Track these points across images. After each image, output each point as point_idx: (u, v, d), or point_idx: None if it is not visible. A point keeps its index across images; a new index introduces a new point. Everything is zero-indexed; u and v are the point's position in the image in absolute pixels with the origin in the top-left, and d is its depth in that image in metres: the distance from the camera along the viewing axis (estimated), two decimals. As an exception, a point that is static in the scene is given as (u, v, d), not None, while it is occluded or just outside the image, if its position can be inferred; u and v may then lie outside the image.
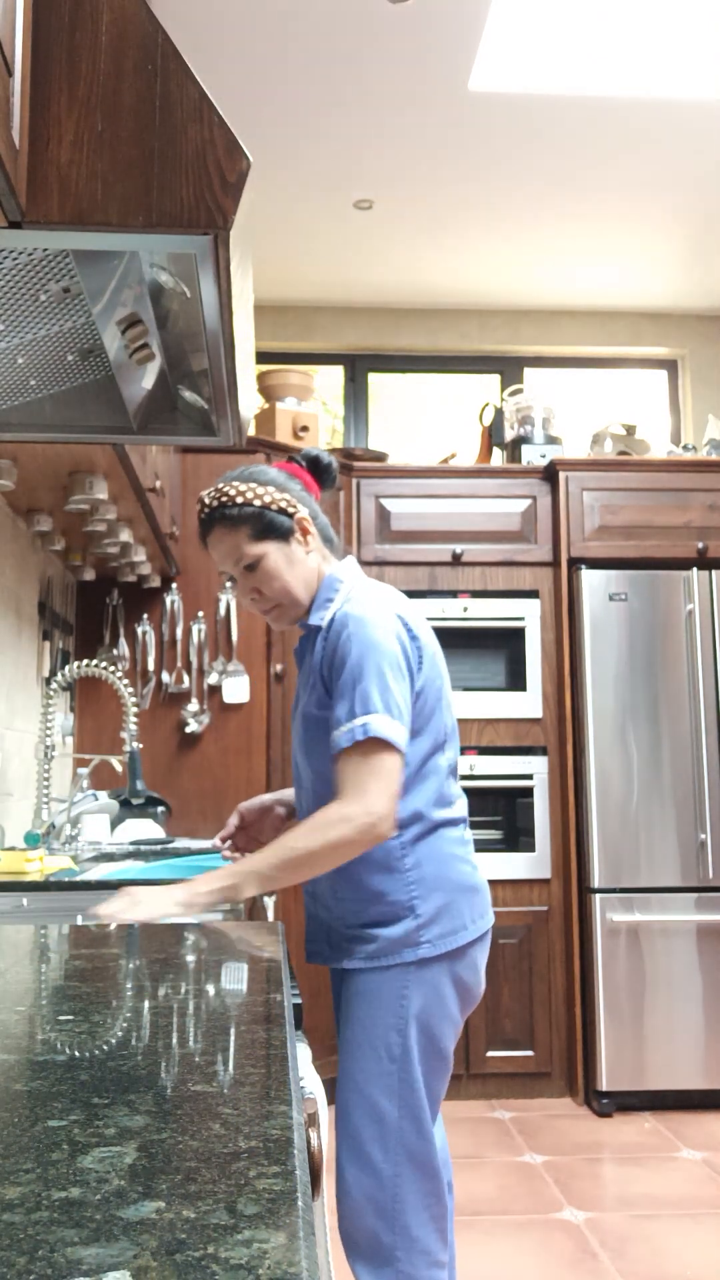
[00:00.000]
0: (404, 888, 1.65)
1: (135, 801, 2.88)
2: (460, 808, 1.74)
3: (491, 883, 3.86)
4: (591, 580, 3.88)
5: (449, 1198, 1.70)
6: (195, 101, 1.14)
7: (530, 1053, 3.81)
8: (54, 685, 2.64)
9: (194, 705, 3.61)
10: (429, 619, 3.98)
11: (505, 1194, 2.94)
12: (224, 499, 1.71)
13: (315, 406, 4.16)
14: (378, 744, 1.56)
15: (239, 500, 1.71)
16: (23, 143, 1.10)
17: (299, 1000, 1.30)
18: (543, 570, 4.06)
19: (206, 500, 1.73)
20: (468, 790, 3.88)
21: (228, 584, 3.69)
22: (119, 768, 3.45)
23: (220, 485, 1.73)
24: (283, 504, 1.73)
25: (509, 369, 4.92)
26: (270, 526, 1.71)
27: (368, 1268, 1.62)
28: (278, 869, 1.54)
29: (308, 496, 1.79)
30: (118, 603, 3.64)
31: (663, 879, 3.74)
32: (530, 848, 3.89)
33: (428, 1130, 1.64)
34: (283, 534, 1.72)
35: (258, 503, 1.71)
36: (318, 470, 1.85)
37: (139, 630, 3.64)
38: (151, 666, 3.61)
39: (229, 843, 1.93)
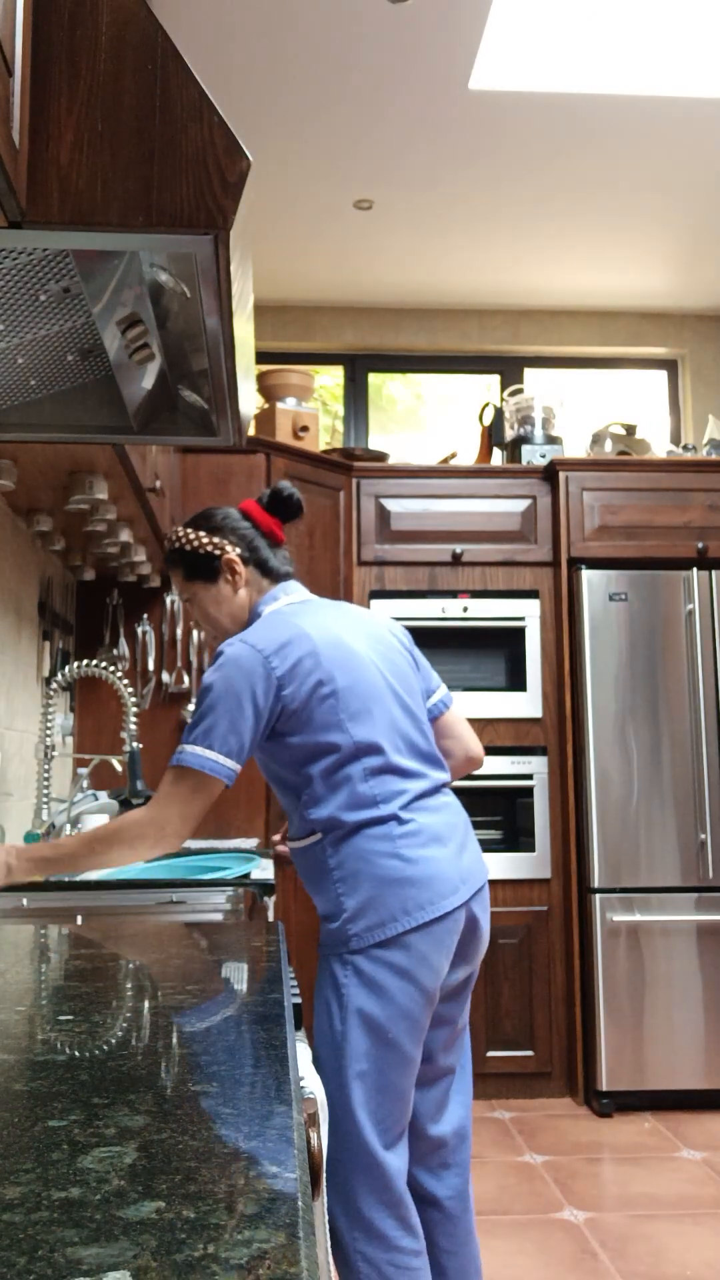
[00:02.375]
0: (332, 886, 1.77)
1: (135, 801, 2.88)
2: (393, 804, 1.77)
3: (492, 883, 3.86)
4: (591, 580, 3.88)
5: (402, 1182, 1.74)
6: (195, 101, 1.14)
7: (530, 1053, 3.81)
8: (54, 685, 2.64)
9: (194, 705, 3.60)
10: (429, 619, 3.98)
11: (505, 1194, 2.94)
12: (170, 540, 1.98)
13: (315, 406, 4.16)
14: (192, 772, 1.72)
15: (176, 545, 1.96)
16: (23, 143, 1.10)
17: (299, 1000, 1.30)
18: (543, 570, 4.06)
19: (165, 543, 2.02)
20: (468, 790, 3.89)
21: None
22: (119, 768, 3.45)
23: (173, 530, 1.99)
24: (209, 548, 1.94)
25: (509, 369, 4.92)
26: (196, 568, 1.95)
27: (335, 1252, 1.71)
28: (78, 856, 1.74)
29: (252, 534, 1.97)
30: (118, 603, 3.64)
31: (663, 879, 3.74)
32: (530, 848, 3.89)
33: (373, 1118, 1.70)
34: (209, 575, 1.94)
35: (188, 547, 1.95)
36: (277, 503, 2.01)
37: (139, 630, 3.64)
38: (151, 666, 3.61)
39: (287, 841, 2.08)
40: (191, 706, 3.59)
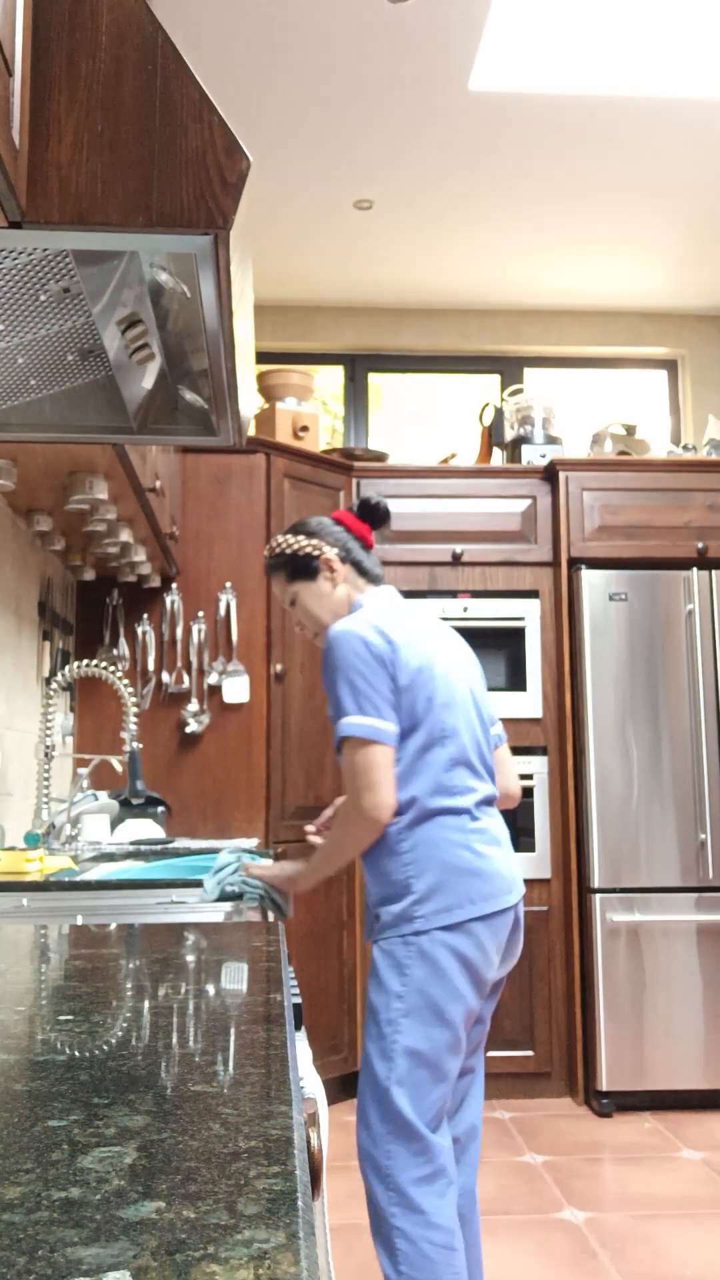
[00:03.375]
0: (401, 868, 1.86)
1: (135, 801, 2.88)
2: (467, 799, 1.89)
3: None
4: (591, 580, 3.88)
5: (450, 1166, 1.81)
6: (195, 101, 1.14)
7: (530, 1053, 3.81)
8: (54, 685, 2.64)
9: (194, 705, 3.61)
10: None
11: (505, 1194, 2.94)
12: (269, 551, 2.13)
13: (315, 406, 4.16)
14: (355, 742, 1.84)
15: (276, 551, 2.11)
16: (23, 143, 1.10)
17: (299, 1000, 1.30)
18: (543, 570, 4.06)
19: (264, 554, 2.19)
20: (468, 790, 3.88)
21: (227, 584, 3.69)
22: (119, 768, 3.45)
23: (272, 539, 2.16)
24: (309, 549, 2.08)
25: (509, 369, 4.92)
26: (298, 569, 2.09)
27: (373, 1228, 1.79)
28: (324, 858, 1.89)
29: (346, 537, 2.12)
30: (118, 603, 3.64)
31: (663, 879, 3.74)
32: (530, 848, 3.89)
33: (430, 1099, 1.79)
34: (309, 574, 2.08)
35: (288, 551, 2.10)
36: (366, 511, 2.17)
37: (139, 630, 3.64)
38: (151, 666, 3.61)
39: (325, 831, 2.15)
40: (192, 706, 3.59)
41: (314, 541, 2.10)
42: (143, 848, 2.76)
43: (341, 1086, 3.80)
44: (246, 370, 1.58)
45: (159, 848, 2.75)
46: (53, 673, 3.16)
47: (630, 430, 4.28)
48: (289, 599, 2.12)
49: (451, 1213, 1.78)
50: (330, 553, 2.09)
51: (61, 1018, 0.92)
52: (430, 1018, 1.80)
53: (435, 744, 1.89)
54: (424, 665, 1.91)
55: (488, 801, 1.96)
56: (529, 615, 4.02)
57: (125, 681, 2.60)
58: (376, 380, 4.93)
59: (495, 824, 1.95)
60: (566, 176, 3.81)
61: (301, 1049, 1.31)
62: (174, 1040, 0.85)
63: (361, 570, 2.13)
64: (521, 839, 3.90)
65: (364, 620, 1.93)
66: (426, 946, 1.81)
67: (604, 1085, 3.62)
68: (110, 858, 2.51)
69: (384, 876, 1.88)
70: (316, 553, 2.09)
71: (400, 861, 1.86)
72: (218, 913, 1.81)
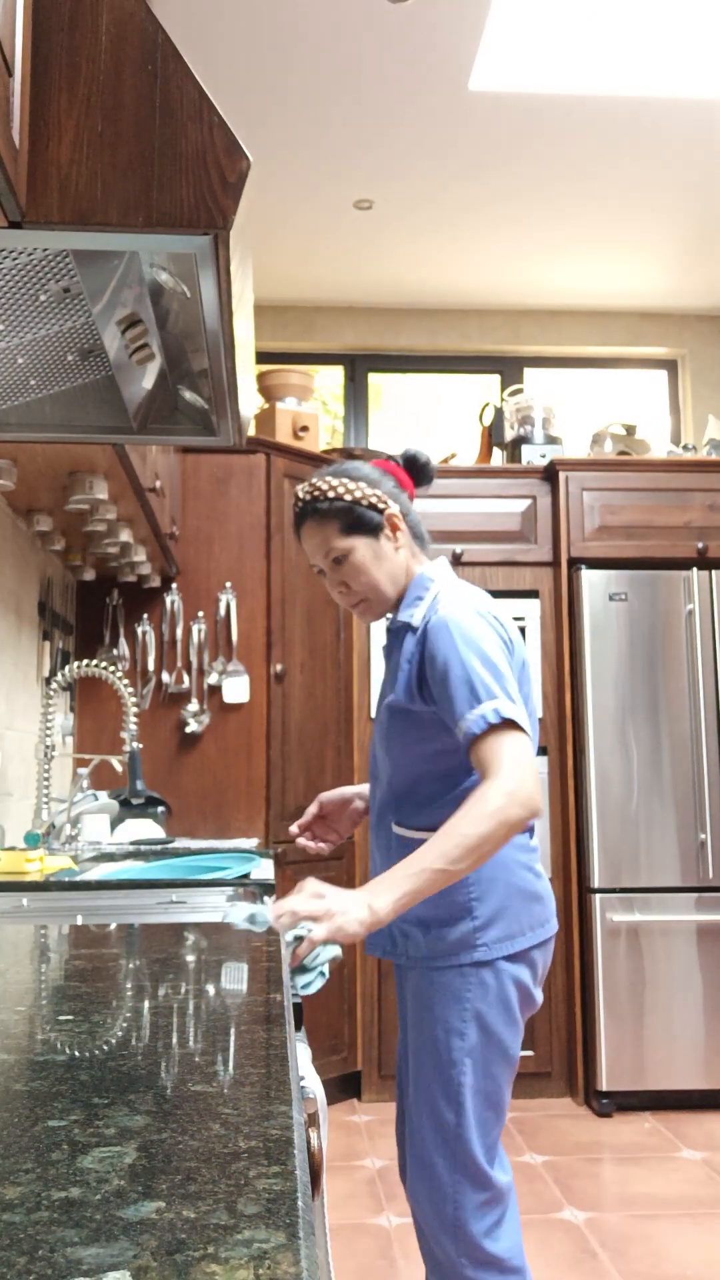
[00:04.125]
0: (463, 888, 1.65)
1: (135, 801, 2.88)
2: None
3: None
4: (591, 580, 3.88)
5: (512, 1198, 1.68)
6: (195, 101, 1.14)
7: (530, 1053, 3.81)
8: (54, 685, 2.64)
9: (194, 705, 3.61)
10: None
11: (505, 1194, 2.93)
12: (316, 493, 1.75)
13: (315, 406, 4.16)
14: (510, 726, 1.53)
15: (330, 495, 1.74)
16: (23, 143, 1.10)
17: (299, 1000, 1.30)
18: (543, 570, 4.06)
19: (300, 494, 1.77)
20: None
21: (227, 584, 3.69)
22: (119, 768, 3.45)
23: (314, 480, 1.77)
24: (373, 499, 1.75)
25: (509, 369, 4.92)
26: (359, 521, 1.74)
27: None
28: (455, 859, 1.46)
29: (400, 494, 1.80)
30: (118, 603, 3.64)
31: (663, 879, 3.74)
32: (530, 848, 3.89)
33: (492, 1136, 1.64)
34: (371, 529, 1.74)
35: (348, 497, 1.73)
36: (415, 468, 1.86)
37: (139, 630, 3.64)
38: (151, 666, 3.61)
39: (307, 831, 1.95)
40: (192, 706, 3.59)
41: (378, 491, 1.76)
42: (143, 848, 2.76)
43: (341, 1086, 3.80)
44: (246, 370, 1.58)
45: (159, 848, 2.75)
46: (53, 673, 3.16)
47: (630, 430, 4.28)
48: (335, 555, 1.75)
49: (521, 1250, 1.65)
50: (394, 508, 1.77)
51: (61, 1018, 0.92)
52: (495, 1054, 1.63)
53: None
54: (514, 667, 1.68)
55: None
56: (529, 615, 4.02)
57: (125, 681, 2.60)
58: (376, 380, 4.93)
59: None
60: (566, 176, 3.81)
61: (301, 1049, 1.31)
62: (174, 1040, 0.85)
63: (417, 534, 1.82)
64: (521, 839, 3.89)
65: (481, 601, 1.68)
66: (489, 978, 1.63)
67: (604, 1085, 3.62)
68: (110, 858, 2.51)
69: (439, 896, 1.65)
70: (382, 505, 1.76)
71: (463, 882, 1.64)
72: (217, 912, 1.81)
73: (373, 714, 3.93)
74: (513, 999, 1.65)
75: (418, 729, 1.69)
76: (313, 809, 1.95)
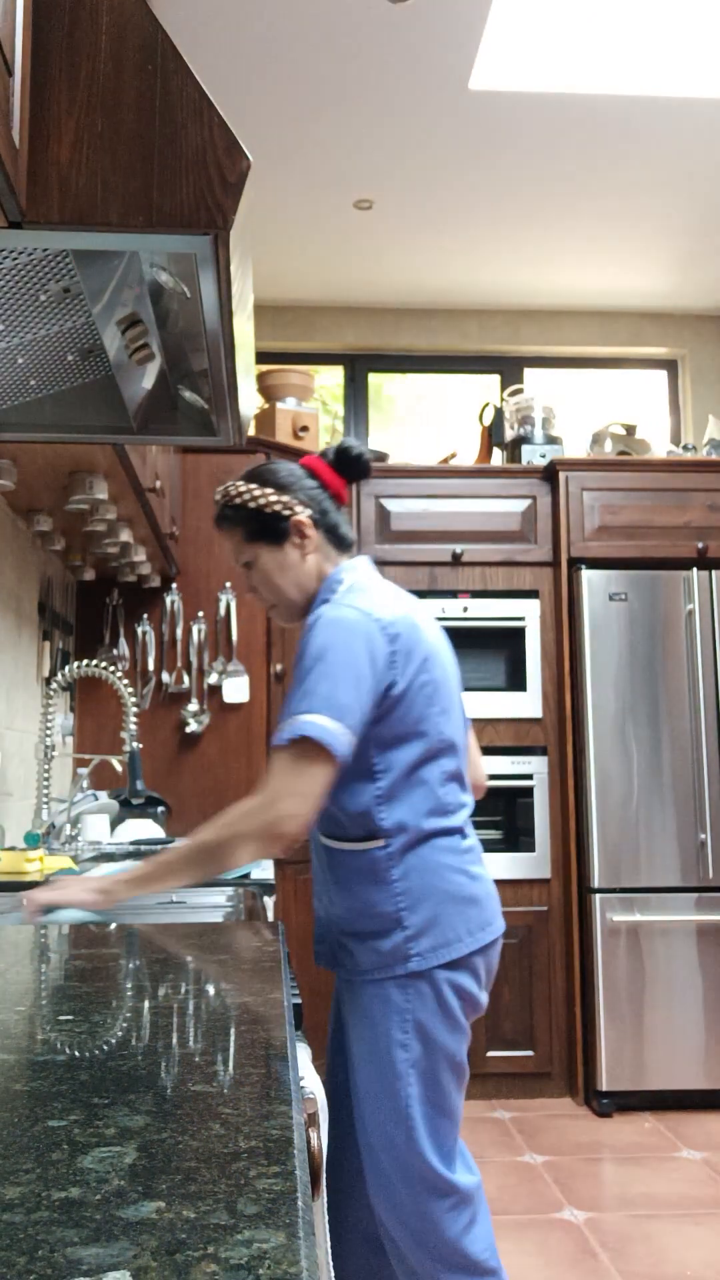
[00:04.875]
0: (390, 899, 1.62)
1: (135, 801, 2.88)
2: (461, 816, 1.69)
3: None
4: (591, 580, 3.88)
5: (481, 1198, 1.66)
6: (195, 101, 1.14)
7: (530, 1053, 3.81)
8: (54, 685, 2.64)
9: (194, 705, 3.61)
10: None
11: (505, 1194, 2.93)
12: (226, 499, 1.76)
13: (315, 406, 4.16)
14: (310, 745, 1.51)
15: (236, 501, 1.74)
16: (23, 143, 1.10)
17: (299, 1000, 1.30)
18: (543, 570, 4.06)
19: (216, 498, 1.79)
20: (468, 790, 3.88)
21: (227, 584, 3.69)
22: (119, 768, 3.44)
23: (227, 484, 1.77)
24: (278, 508, 1.73)
25: (509, 369, 4.92)
26: (262, 530, 1.73)
27: None
28: (188, 860, 1.50)
29: (321, 495, 1.78)
30: (118, 603, 3.64)
31: (663, 879, 3.74)
32: (530, 848, 3.89)
33: (448, 1144, 1.61)
34: (275, 537, 1.73)
35: (252, 505, 1.73)
36: (346, 461, 1.82)
37: (139, 630, 3.64)
38: (151, 666, 3.61)
39: None
40: (192, 706, 3.58)
41: (284, 498, 1.74)
42: (143, 848, 2.76)
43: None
44: (246, 370, 1.58)
45: (159, 848, 2.75)
46: (53, 673, 3.16)
47: (630, 430, 4.28)
48: (243, 560, 1.76)
49: (494, 1250, 1.64)
50: (303, 514, 1.74)
51: (61, 1018, 0.92)
52: (440, 1063, 1.60)
53: (432, 758, 1.65)
54: (428, 668, 1.66)
55: (471, 813, 1.74)
56: (529, 615, 4.02)
57: (125, 681, 2.60)
58: (376, 380, 4.93)
59: (476, 837, 1.74)
60: (566, 176, 3.81)
61: (301, 1049, 1.31)
62: (174, 1040, 0.85)
63: (336, 537, 1.79)
64: (521, 839, 3.90)
65: (377, 608, 1.64)
66: (426, 988, 1.60)
67: (604, 1085, 3.62)
68: (110, 858, 2.51)
69: (368, 907, 1.63)
70: (287, 512, 1.73)
71: (390, 892, 1.62)
72: (217, 913, 1.81)
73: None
74: (454, 1007, 1.62)
75: None
76: None
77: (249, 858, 1.51)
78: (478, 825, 3.89)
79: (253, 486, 1.74)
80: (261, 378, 4.12)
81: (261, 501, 1.73)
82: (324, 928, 1.74)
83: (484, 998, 1.68)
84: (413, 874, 1.62)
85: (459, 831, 1.68)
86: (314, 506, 1.77)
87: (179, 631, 3.64)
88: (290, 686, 1.59)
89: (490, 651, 4.02)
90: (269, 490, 1.74)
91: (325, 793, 1.53)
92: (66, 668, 2.63)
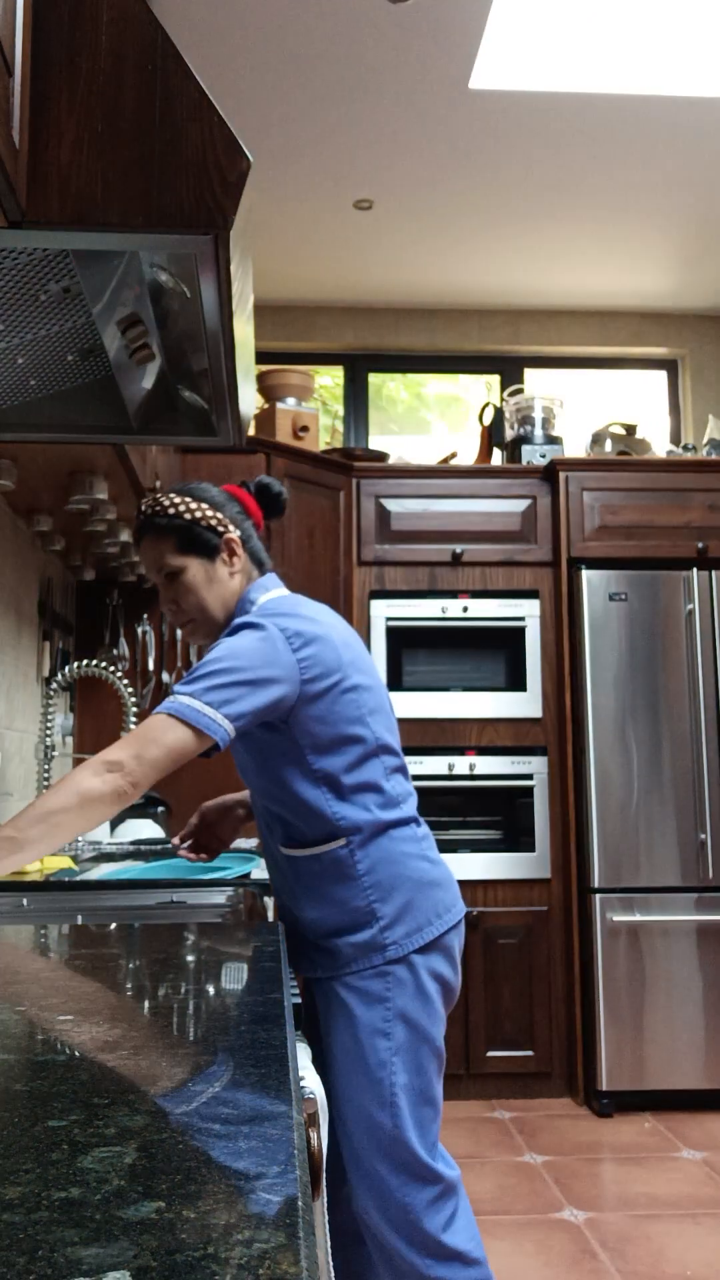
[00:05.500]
0: (361, 893, 1.67)
1: (135, 801, 2.88)
2: (409, 806, 1.75)
3: (491, 883, 3.87)
4: (591, 580, 3.88)
5: (462, 1191, 1.69)
6: (195, 101, 1.14)
7: (530, 1053, 3.81)
8: (54, 685, 2.64)
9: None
10: (429, 619, 3.98)
11: (505, 1194, 2.94)
12: (157, 508, 1.76)
13: (315, 406, 4.16)
14: (178, 723, 1.52)
15: (169, 511, 1.75)
16: (23, 143, 1.10)
17: (299, 1000, 1.30)
18: (543, 570, 4.06)
19: (142, 507, 1.77)
20: (468, 790, 3.89)
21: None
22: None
23: (159, 495, 1.78)
24: (213, 521, 1.76)
25: (509, 369, 4.92)
26: (195, 541, 1.74)
27: None
28: (24, 826, 1.46)
29: (244, 520, 1.82)
30: (118, 603, 3.64)
31: (663, 879, 3.74)
32: (530, 848, 3.89)
33: (431, 1133, 1.64)
34: (207, 551, 1.75)
35: (187, 516, 1.74)
36: (266, 498, 1.88)
37: (139, 630, 3.64)
38: (151, 666, 3.61)
39: (188, 842, 1.93)
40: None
41: (219, 514, 1.77)
42: (143, 848, 2.76)
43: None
44: (246, 370, 1.58)
45: (159, 848, 2.75)
46: (53, 673, 3.16)
47: (630, 430, 4.28)
48: (168, 571, 1.75)
49: (480, 1243, 1.65)
50: (235, 534, 1.77)
51: (61, 1018, 0.92)
52: (423, 1049, 1.64)
53: (374, 755, 1.70)
54: (347, 674, 1.69)
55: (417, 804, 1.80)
56: (529, 615, 4.02)
57: (125, 681, 2.60)
58: (376, 380, 4.93)
59: (427, 826, 1.77)
60: (567, 176, 3.81)
61: (301, 1049, 1.31)
62: (174, 1040, 0.85)
63: (257, 561, 1.83)
64: (521, 839, 3.90)
65: (288, 622, 1.66)
66: (404, 974, 1.65)
67: (604, 1085, 3.62)
68: (110, 858, 2.51)
69: (339, 905, 1.67)
70: (221, 529, 1.76)
71: (359, 886, 1.66)
72: (218, 913, 1.81)
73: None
74: (432, 992, 1.67)
75: (261, 751, 1.69)
76: (194, 820, 1.94)
77: (100, 817, 1.49)
78: (478, 825, 3.90)
79: (186, 499, 1.76)
80: (261, 378, 4.12)
81: (198, 514, 1.75)
82: (293, 935, 1.77)
83: (457, 982, 1.73)
84: (378, 866, 1.67)
85: (413, 820, 1.74)
86: (241, 529, 1.80)
87: (179, 631, 3.64)
88: (189, 670, 1.59)
89: (490, 651, 4.02)
90: (204, 504, 1.77)
91: (176, 766, 1.54)
92: (66, 668, 2.63)
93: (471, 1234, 1.65)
